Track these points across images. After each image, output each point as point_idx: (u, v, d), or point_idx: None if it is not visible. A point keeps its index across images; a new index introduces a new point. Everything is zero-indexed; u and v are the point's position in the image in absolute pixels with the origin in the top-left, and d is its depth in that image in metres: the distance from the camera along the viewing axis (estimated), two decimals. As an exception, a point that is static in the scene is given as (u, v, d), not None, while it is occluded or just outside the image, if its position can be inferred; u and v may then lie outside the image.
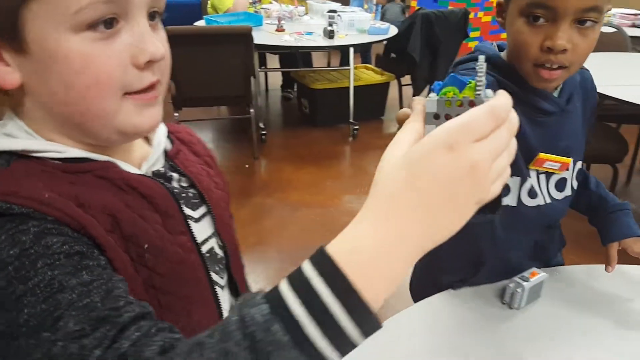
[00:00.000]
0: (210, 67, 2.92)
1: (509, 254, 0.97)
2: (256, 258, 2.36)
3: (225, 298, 0.63)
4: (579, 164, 0.96)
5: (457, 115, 0.35)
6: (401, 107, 4.15)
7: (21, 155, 0.48)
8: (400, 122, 0.40)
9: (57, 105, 0.47)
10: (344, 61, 4.09)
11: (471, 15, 4.15)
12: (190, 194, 0.59)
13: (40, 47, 0.44)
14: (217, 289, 0.61)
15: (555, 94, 0.88)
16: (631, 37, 3.31)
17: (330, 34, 3.35)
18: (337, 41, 3.40)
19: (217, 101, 3.46)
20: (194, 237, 0.57)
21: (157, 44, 0.47)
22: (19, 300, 0.40)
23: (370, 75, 4.01)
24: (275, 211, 2.80)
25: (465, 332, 0.87)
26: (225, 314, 0.61)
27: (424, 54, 3.65)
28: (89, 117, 0.47)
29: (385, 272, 0.34)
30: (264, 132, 3.59)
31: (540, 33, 0.75)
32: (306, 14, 4.21)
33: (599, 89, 2.28)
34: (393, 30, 3.66)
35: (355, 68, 3.71)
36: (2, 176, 0.46)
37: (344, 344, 0.33)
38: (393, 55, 3.91)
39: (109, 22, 0.44)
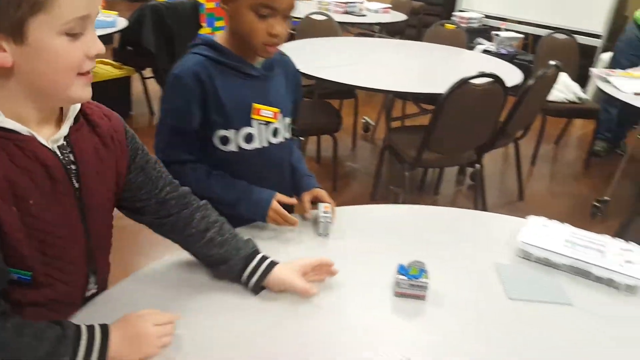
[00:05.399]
0: None
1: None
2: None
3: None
4: (288, 120, 1.29)
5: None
6: (148, 100, 4.11)
7: None
8: None
9: (40, 80, 0.71)
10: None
11: (211, 5, 4.26)
12: (73, 168, 0.82)
13: (36, 42, 0.68)
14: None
15: (258, 65, 1.20)
16: (341, 22, 3.83)
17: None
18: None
19: None
20: (79, 197, 0.83)
21: (100, 44, 0.74)
22: None
23: (109, 70, 3.79)
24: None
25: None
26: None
27: (159, 45, 3.63)
28: (56, 88, 0.73)
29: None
30: None
31: (266, 23, 1.09)
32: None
33: (311, 71, 2.59)
34: (122, 23, 3.53)
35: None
36: None
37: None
38: (130, 48, 3.78)
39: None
